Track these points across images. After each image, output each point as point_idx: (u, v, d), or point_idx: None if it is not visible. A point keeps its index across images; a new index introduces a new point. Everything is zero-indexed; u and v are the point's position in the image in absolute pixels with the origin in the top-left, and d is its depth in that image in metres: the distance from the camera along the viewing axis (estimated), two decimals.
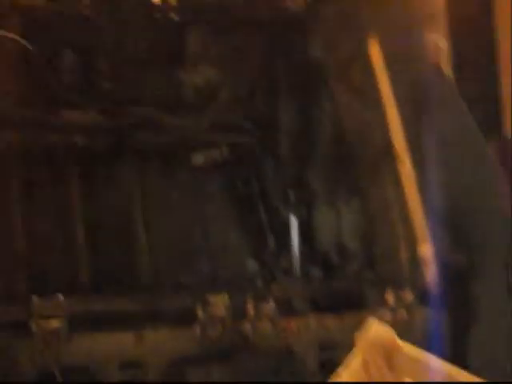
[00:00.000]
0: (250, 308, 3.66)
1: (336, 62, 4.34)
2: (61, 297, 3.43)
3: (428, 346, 3.73)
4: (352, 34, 4.23)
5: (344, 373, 1.71)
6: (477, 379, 1.90)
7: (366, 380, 1.67)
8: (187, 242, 4.51)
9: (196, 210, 4.59)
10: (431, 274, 3.91)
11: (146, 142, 4.52)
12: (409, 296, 3.83)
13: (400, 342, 1.65)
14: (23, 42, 4.09)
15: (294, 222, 4.67)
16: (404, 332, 3.70)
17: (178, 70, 4.62)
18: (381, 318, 3.74)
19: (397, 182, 4.03)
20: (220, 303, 3.61)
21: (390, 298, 3.82)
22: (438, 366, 1.83)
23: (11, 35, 4.06)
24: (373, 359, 1.67)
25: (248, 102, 4.76)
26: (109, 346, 3.50)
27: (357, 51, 4.20)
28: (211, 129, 4.65)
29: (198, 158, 4.67)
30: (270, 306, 3.68)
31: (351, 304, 4.06)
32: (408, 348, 1.80)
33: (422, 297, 3.88)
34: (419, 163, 3.99)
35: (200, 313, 3.60)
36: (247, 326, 3.66)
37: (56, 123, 4.31)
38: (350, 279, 4.26)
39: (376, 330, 1.67)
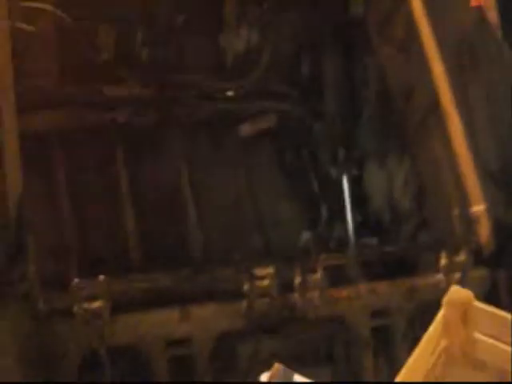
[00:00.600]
0: (298, 279, 3.57)
1: (377, 17, 4.19)
2: (102, 278, 3.39)
3: None
4: None
5: (432, 326, 1.87)
6: None
7: (443, 335, 1.83)
8: (237, 215, 4.48)
9: (245, 181, 4.56)
10: (485, 234, 3.76)
11: (191, 113, 4.50)
12: (463, 258, 3.69)
13: (475, 301, 1.86)
14: (61, 14, 4.06)
15: (346, 188, 4.57)
16: None
17: (218, 36, 4.54)
18: (434, 282, 3.66)
19: (446, 139, 3.88)
20: (267, 276, 3.52)
21: (444, 260, 3.68)
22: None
23: (49, 7, 4.03)
24: (450, 315, 1.85)
25: (292, 65, 4.67)
26: (155, 324, 3.45)
27: (398, 5, 4.05)
28: (257, 97, 4.58)
29: (246, 129, 4.63)
30: (318, 277, 3.58)
31: (405, 268, 3.95)
32: (482, 305, 1.90)
33: (477, 258, 3.74)
34: (468, 119, 3.83)
35: (247, 287, 3.52)
36: (295, 298, 3.57)
37: (98, 100, 4.30)
38: (403, 243, 4.14)
39: (454, 289, 1.88)
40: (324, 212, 4.59)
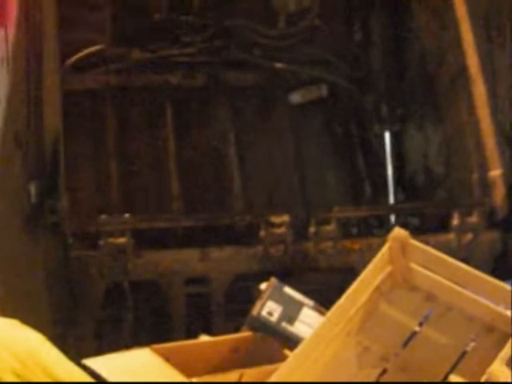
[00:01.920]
0: (312, 229, 3.74)
1: None
2: (128, 215, 3.63)
3: (494, 268, 3.75)
4: None
5: (379, 254, 2.32)
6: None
7: (387, 262, 2.28)
8: (282, 184, 4.52)
9: (292, 149, 4.58)
10: (499, 198, 3.86)
11: (242, 79, 4.55)
12: (475, 219, 3.80)
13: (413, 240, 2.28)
14: None
15: (387, 145, 4.64)
16: (469, 254, 3.75)
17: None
18: (445, 241, 3.78)
19: (471, 104, 3.98)
20: (282, 224, 3.70)
21: (456, 220, 3.80)
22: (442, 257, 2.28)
23: None
24: (393, 248, 2.28)
25: (343, 32, 4.71)
26: (175, 262, 3.67)
27: None
28: (308, 63, 4.61)
29: (296, 96, 4.66)
30: (332, 227, 3.75)
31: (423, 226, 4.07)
32: (417, 243, 2.32)
33: (489, 221, 3.84)
34: (491, 86, 3.92)
35: (262, 233, 3.71)
36: (309, 246, 3.75)
37: (151, 60, 4.39)
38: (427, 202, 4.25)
39: (397, 229, 2.32)
40: (368, 189, 4.63)
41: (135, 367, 2.19)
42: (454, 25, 4.02)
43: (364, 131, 4.70)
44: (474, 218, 3.81)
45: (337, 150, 4.69)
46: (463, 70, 4.01)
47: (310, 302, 2.75)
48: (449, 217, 3.85)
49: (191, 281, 3.70)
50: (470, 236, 3.81)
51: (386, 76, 4.60)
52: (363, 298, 2.22)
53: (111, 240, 3.58)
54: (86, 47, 4.17)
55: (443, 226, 3.90)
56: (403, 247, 2.22)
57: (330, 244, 3.74)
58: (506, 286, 2.29)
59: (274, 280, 2.74)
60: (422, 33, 4.28)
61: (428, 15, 4.22)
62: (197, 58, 4.46)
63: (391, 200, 4.59)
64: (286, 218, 3.71)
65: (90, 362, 2.18)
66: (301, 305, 2.71)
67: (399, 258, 2.22)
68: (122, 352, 2.32)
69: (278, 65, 4.53)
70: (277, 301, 2.68)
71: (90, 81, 4.28)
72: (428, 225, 4.04)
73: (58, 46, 3.68)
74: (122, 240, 3.58)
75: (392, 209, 4.29)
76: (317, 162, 4.63)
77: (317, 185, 4.59)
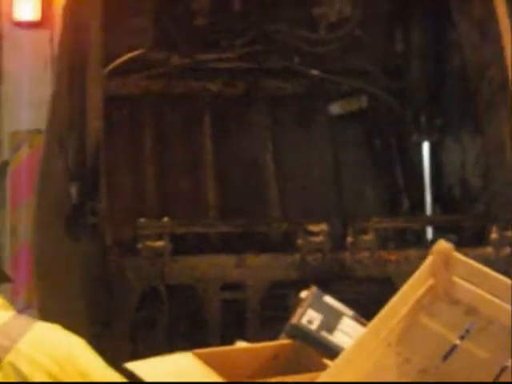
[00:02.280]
0: (350, 239, 3.75)
1: None
2: (166, 219, 3.65)
3: None
4: None
5: (421, 267, 2.28)
6: None
7: (429, 275, 2.25)
8: (319, 196, 4.50)
9: (330, 161, 4.56)
10: None
11: (281, 87, 4.56)
12: None
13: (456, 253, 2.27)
14: None
15: (425, 156, 4.61)
16: (508, 268, 3.72)
17: (312, 6, 4.58)
18: (483, 255, 3.77)
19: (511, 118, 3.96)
20: (320, 233, 3.71)
21: (494, 234, 3.79)
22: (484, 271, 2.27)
23: None
24: (436, 261, 2.25)
25: (385, 42, 4.70)
26: (212, 267, 3.69)
27: None
28: (348, 75, 4.59)
29: (336, 107, 4.65)
30: (369, 237, 3.75)
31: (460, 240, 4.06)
32: (461, 256, 2.30)
33: None
34: None
35: (300, 241, 3.72)
36: (346, 256, 3.76)
37: (191, 67, 4.41)
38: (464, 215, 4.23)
39: (441, 241, 2.28)
40: (405, 201, 4.60)
41: (177, 371, 2.20)
42: (497, 38, 4.00)
43: (403, 142, 4.69)
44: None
45: (375, 161, 4.68)
46: (505, 83, 3.99)
47: (350, 312, 2.76)
48: (487, 230, 3.83)
49: (227, 286, 3.72)
50: (508, 250, 3.79)
51: (426, 86, 4.58)
52: (404, 309, 2.23)
53: (149, 243, 3.61)
54: (127, 52, 4.20)
55: (481, 239, 3.88)
56: (446, 260, 2.23)
57: (366, 254, 3.75)
58: None
59: (314, 288, 2.75)
60: (464, 44, 4.26)
61: (470, 27, 4.21)
62: (236, 64, 4.47)
63: (428, 213, 4.56)
64: (323, 226, 3.72)
65: (131, 365, 2.19)
66: (340, 314, 2.72)
67: (442, 272, 2.22)
68: (163, 356, 2.33)
69: (319, 74, 4.53)
70: (317, 309, 2.69)
71: (130, 86, 4.31)
72: (466, 238, 4.01)
73: (102, 50, 3.72)
74: (159, 244, 3.61)
75: (429, 221, 4.29)
76: (355, 173, 4.61)
77: (354, 196, 4.57)
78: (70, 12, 3.60)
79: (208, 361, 2.24)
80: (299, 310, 2.67)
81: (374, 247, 3.75)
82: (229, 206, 4.33)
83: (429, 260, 2.26)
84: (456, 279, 2.23)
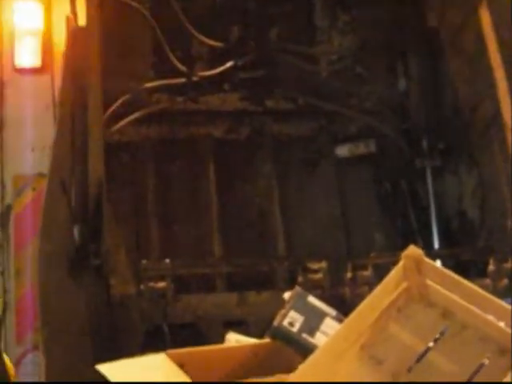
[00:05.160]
0: (349, 275, 3.80)
1: (450, 30, 4.35)
2: (167, 261, 3.71)
3: None
4: (464, 4, 4.24)
5: (393, 271, 2.34)
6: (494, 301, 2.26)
7: (402, 278, 2.31)
8: (328, 244, 4.49)
9: (339, 207, 4.57)
10: None
11: (286, 131, 4.60)
12: (510, 265, 3.83)
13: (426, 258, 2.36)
14: (149, 17, 4.26)
15: (429, 181, 4.62)
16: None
17: (311, 46, 4.66)
18: (481, 287, 3.80)
19: (505, 152, 4.02)
20: (320, 270, 3.76)
21: (492, 266, 3.84)
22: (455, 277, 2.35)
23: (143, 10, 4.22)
24: (408, 264, 2.31)
25: (387, 79, 4.74)
26: (214, 306, 3.75)
27: (468, 20, 4.20)
28: (355, 115, 4.62)
29: (343, 150, 4.67)
30: (368, 273, 3.80)
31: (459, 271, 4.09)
32: (430, 261, 2.39)
33: None
34: None
35: (300, 278, 3.77)
36: (345, 292, 3.80)
37: (193, 112, 4.46)
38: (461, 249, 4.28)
39: (411, 247, 2.36)
40: (420, 242, 4.52)
41: (142, 371, 2.25)
42: (488, 71, 4.07)
43: (413, 184, 4.69)
44: (509, 264, 3.84)
45: (385, 204, 4.67)
46: (497, 116, 4.06)
47: (333, 312, 2.80)
48: (485, 262, 3.88)
49: (229, 324, 3.76)
50: (505, 281, 3.84)
51: (426, 125, 4.62)
52: (377, 312, 2.27)
53: (152, 284, 3.67)
54: (127, 96, 4.27)
55: (479, 270, 3.92)
56: (418, 265, 2.28)
57: (366, 289, 3.79)
58: None
59: (298, 289, 2.78)
60: (456, 79, 4.33)
61: (461, 61, 4.29)
62: (240, 106, 4.50)
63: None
64: (323, 264, 3.77)
65: (103, 367, 2.25)
66: (323, 315, 2.76)
67: (414, 275, 2.27)
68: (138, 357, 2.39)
69: (326, 114, 4.58)
70: (299, 311, 2.72)
71: (131, 132, 4.37)
72: (464, 269, 4.05)
73: (102, 94, 3.80)
74: (162, 285, 3.67)
75: (428, 255, 4.31)
76: (364, 221, 4.60)
77: (362, 242, 4.56)
78: (70, 58, 3.68)
79: (183, 361, 2.28)
80: (282, 312, 2.71)
81: (373, 282, 3.79)
82: (234, 253, 4.33)
83: (400, 264, 2.30)
84: (430, 282, 2.27)
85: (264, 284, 3.91)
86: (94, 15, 3.75)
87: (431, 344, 2.25)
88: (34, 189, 4.06)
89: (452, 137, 4.48)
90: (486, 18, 4.07)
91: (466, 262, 4.10)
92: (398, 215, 4.65)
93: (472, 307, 2.28)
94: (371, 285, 3.79)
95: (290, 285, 3.81)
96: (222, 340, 3.71)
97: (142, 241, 4.32)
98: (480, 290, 2.31)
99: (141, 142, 4.40)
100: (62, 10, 3.96)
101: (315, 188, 4.59)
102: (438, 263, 4.28)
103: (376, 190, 4.68)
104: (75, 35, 3.72)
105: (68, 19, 3.77)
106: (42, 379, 3.45)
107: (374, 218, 4.63)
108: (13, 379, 3.22)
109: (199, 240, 4.39)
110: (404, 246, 4.44)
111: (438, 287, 2.27)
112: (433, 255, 4.37)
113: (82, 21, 3.80)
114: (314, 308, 2.72)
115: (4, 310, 3.43)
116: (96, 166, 3.66)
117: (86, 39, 3.73)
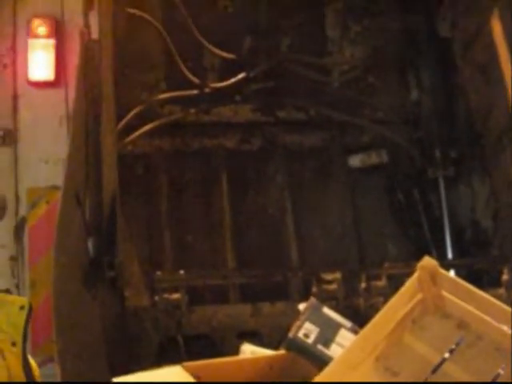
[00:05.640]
0: (363, 285, 3.80)
1: (462, 40, 4.36)
2: (182, 272, 3.72)
3: None
4: (476, 14, 4.25)
5: (408, 283, 2.34)
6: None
7: (418, 290, 2.30)
8: (341, 255, 4.48)
9: (351, 217, 4.56)
10: None
11: (298, 142, 4.59)
12: None
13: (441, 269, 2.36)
14: (161, 29, 4.27)
15: (442, 190, 4.60)
16: None
17: (322, 56, 4.67)
18: (495, 296, 3.80)
19: None
20: (334, 281, 3.76)
21: (506, 276, 3.83)
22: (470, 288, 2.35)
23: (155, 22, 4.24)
24: (423, 276, 2.31)
25: (399, 89, 4.73)
26: (228, 317, 3.75)
27: (481, 30, 4.21)
28: (366, 125, 4.61)
29: (355, 161, 4.66)
30: (382, 283, 3.80)
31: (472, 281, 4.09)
32: (446, 272, 2.40)
33: None
34: None
35: (315, 289, 3.77)
36: (360, 302, 3.80)
37: (207, 122, 4.47)
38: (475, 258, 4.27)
39: (426, 258, 2.36)
40: (434, 253, 4.51)
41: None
42: (500, 81, 4.08)
43: (426, 194, 4.68)
44: None
45: (399, 214, 4.65)
46: (509, 126, 4.06)
47: (348, 324, 2.80)
48: (498, 272, 3.87)
49: (243, 335, 3.76)
50: None
51: (438, 134, 4.61)
52: (392, 324, 2.28)
53: (166, 296, 3.67)
54: (139, 107, 4.28)
55: (493, 280, 3.92)
56: (433, 276, 2.29)
57: (380, 299, 3.79)
58: None
59: (313, 300, 2.78)
60: (468, 89, 4.34)
61: (473, 71, 4.29)
62: (252, 117, 4.51)
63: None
64: (337, 274, 3.77)
65: (118, 379, 2.26)
66: (338, 326, 2.76)
67: (430, 286, 2.27)
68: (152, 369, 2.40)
69: (338, 124, 4.57)
70: (314, 322, 2.72)
71: (144, 144, 4.37)
72: (477, 279, 4.05)
73: (115, 107, 3.82)
74: (176, 296, 3.68)
75: (441, 265, 4.31)
76: (377, 232, 4.59)
77: (375, 252, 4.55)
78: (83, 71, 3.70)
79: (199, 374, 2.28)
80: (297, 323, 2.71)
81: (387, 293, 3.79)
82: (247, 265, 4.33)
83: (415, 276, 2.30)
84: (445, 293, 2.27)
85: (278, 295, 3.91)
86: (106, 28, 3.76)
87: (447, 355, 2.26)
88: (47, 201, 4.08)
89: (464, 146, 4.48)
90: (497, 28, 4.07)
91: (480, 272, 4.09)
92: (410, 225, 4.64)
93: (487, 318, 2.28)
94: (385, 295, 3.80)
95: (304, 296, 3.83)
96: (236, 351, 3.73)
97: (155, 252, 4.33)
98: (495, 300, 2.30)
99: (153, 154, 4.41)
100: (75, 24, 3.98)
101: (328, 198, 4.59)
102: (452, 273, 4.33)
103: (388, 200, 4.67)
104: (88, 48, 3.74)
105: (81, 32, 3.79)
106: None
107: (387, 228, 4.62)
108: (37, 379, 3.24)
109: (212, 251, 4.39)
110: (417, 256, 4.47)
111: (453, 298, 2.27)
112: (446, 265, 4.40)
113: (94, 34, 3.81)
114: (329, 319, 2.72)
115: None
116: (110, 177, 3.67)
117: (99, 52, 3.75)
